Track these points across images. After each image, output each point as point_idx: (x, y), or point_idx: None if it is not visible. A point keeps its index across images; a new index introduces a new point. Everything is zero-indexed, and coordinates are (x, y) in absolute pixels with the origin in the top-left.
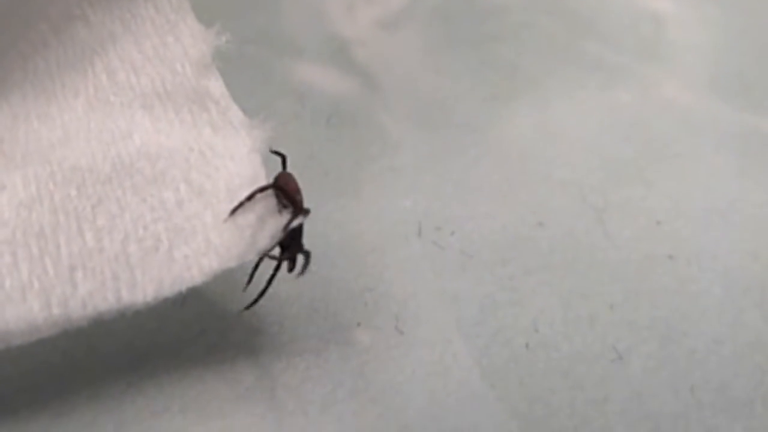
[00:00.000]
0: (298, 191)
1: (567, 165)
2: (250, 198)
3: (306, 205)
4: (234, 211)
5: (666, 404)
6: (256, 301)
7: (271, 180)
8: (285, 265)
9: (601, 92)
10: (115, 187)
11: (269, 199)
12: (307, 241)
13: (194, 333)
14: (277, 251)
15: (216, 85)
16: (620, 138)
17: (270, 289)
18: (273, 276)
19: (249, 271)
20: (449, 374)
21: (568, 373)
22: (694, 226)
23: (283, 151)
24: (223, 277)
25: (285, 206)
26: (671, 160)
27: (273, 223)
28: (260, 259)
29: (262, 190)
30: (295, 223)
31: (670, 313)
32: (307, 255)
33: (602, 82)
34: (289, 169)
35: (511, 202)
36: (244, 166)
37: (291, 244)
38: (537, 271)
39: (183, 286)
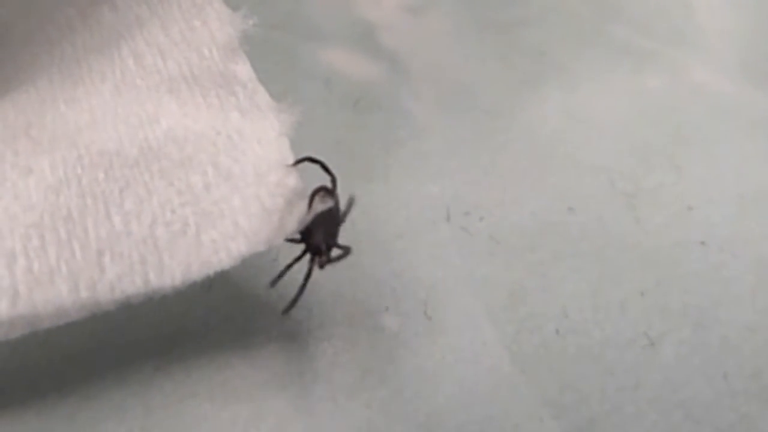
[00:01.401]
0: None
1: (596, 150)
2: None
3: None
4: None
5: (699, 391)
6: (295, 300)
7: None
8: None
9: (631, 77)
10: (143, 171)
11: (298, 184)
12: None
13: (221, 318)
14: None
15: (243, 69)
16: (650, 123)
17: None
18: (308, 274)
19: (276, 256)
20: (479, 360)
21: (599, 359)
22: (725, 212)
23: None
24: (251, 261)
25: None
26: (702, 145)
27: (301, 207)
28: (293, 261)
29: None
30: (323, 208)
31: (703, 300)
32: (345, 250)
33: (631, 67)
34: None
35: (540, 187)
36: (271, 150)
37: (322, 236)
38: (567, 257)
39: (211, 270)
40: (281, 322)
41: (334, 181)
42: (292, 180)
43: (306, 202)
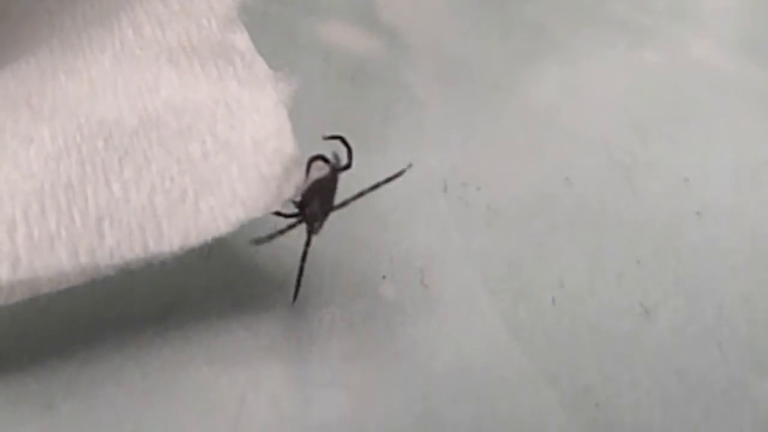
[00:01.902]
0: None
1: (594, 124)
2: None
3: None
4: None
5: (693, 360)
6: (299, 281)
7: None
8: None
9: (629, 52)
10: (142, 140)
11: (295, 151)
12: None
13: (220, 285)
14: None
15: (241, 39)
16: (648, 97)
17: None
18: (307, 246)
19: (274, 224)
20: (475, 329)
21: (594, 328)
22: (722, 184)
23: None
24: (249, 230)
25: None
26: (699, 119)
27: (298, 174)
28: (288, 227)
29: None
30: (318, 176)
31: (698, 270)
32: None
33: (630, 42)
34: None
35: (538, 159)
36: (269, 119)
37: (318, 205)
38: (563, 228)
39: (209, 236)
40: (279, 290)
41: (350, 152)
42: (289, 148)
43: (303, 169)
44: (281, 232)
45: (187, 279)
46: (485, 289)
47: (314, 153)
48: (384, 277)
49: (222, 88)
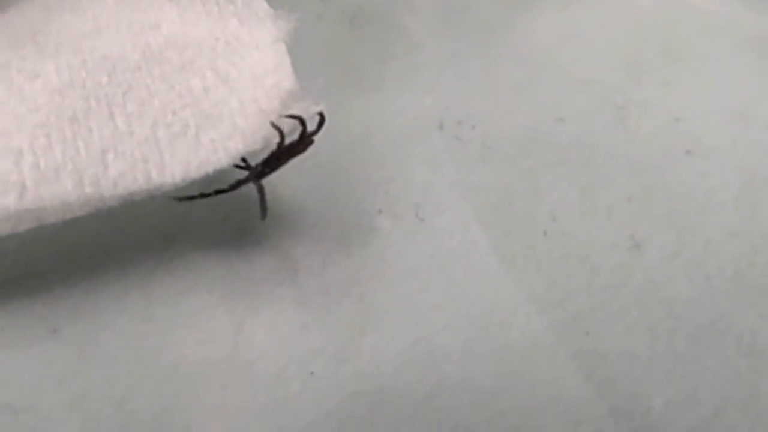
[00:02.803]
0: None
1: (587, 65)
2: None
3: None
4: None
5: (681, 291)
6: (263, 207)
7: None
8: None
9: None
10: (144, 75)
11: (293, 86)
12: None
13: (220, 217)
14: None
15: None
16: (640, 40)
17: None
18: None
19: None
20: (468, 260)
21: (585, 260)
22: (712, 124)
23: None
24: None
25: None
26: (691, 61)
27: (297, 108)
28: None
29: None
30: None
31: (688, 205)
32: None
33: None
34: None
35: (532, 99)
36: (268, 55)
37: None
38: (556, 165)
39: (210, 168)
40: (277, 222)
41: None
42: (288, 82)
43: (302, 103)
44: (234, 187)
45: (188, 211)
46: (478, 222)
47: (306, 91)
48: (380, 211)
49: (222, 25)
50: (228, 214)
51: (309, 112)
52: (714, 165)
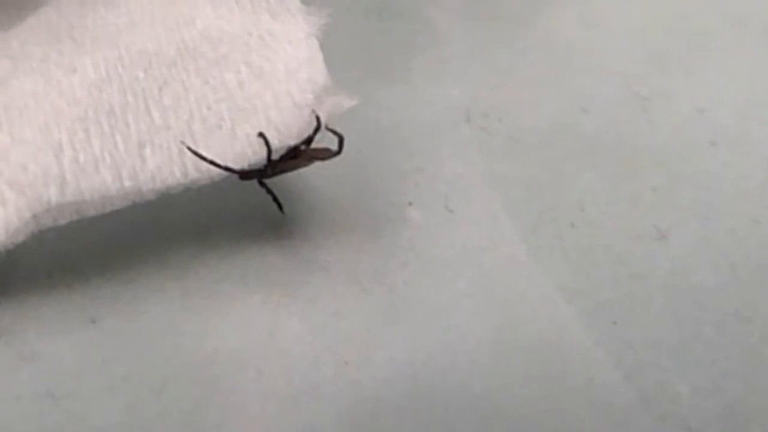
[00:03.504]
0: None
1: (611, 56)
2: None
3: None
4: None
5: (706, 279)
6: (276, 200)
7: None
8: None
9: None
10: (180, 70)
11: (327, 80)
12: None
13: (254, 209)
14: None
15: None
16: (664, 30)
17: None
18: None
19: None
20: (497, 250)
21: (611, 249)
22: (736, 114)
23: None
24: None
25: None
26: (715, 51)
27: (330, 102)
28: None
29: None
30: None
31: (712, 195)
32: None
33: None
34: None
35: (557, 90)
36: (301, 49)
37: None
38: (582, 155)
39: (245, 162)
40: (309, 214)
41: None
42: (321, 77)
43: (335, 98)
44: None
45: (223, 203)
46: (506, 213)
47: (336, 83)
48: (410, 203)
49: (255, 20)
50: (261, 205)
51: (342, 106)
52: (738, 155)
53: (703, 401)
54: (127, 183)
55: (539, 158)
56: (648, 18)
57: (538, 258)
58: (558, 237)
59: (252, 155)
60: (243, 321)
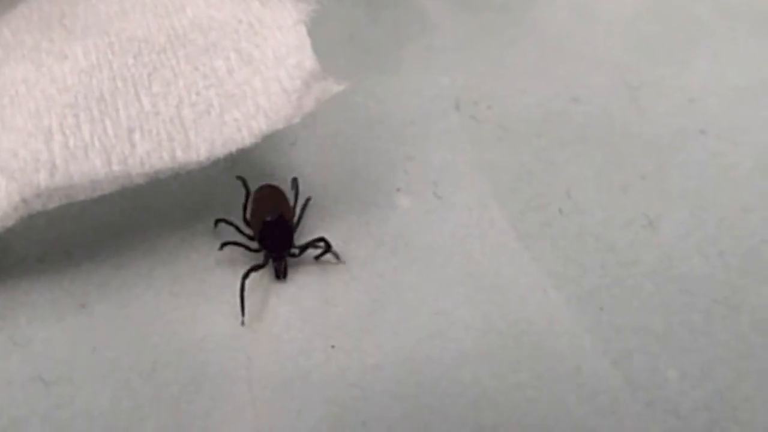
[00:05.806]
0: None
1: (602, 45)
2: None
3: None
4: None
5: (695, 267)
6: (242, 304)
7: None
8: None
9: None
10: (170, 57)
11: (315, 66)
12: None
13: (243, 195)
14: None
15: None
16: (656, 20)
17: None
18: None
19: (293, 140)
20: (486, 236)
21: (600, 236)
22: (726, 104)
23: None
24: (270, 144)
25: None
26: (706, 41)
27: (318, 87)
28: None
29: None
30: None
31: (701, 184)
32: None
33: None
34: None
35: (547, 79)
36: (290, 36)
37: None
38: (571, 143)
39: (233, 146)
40: (299, 200)
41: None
42: (309, 63)
43: (323, 83)
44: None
45: (212, 189)
46: (495, 199)
47: (326, 72)
48: (399, 189)
49: (245, 7)
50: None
51: (330, 91)
52: (727, 144)
53: (691, 388)
54: (117, 168)
55: (528, 146)
56: (638, 7)
57: (526, 245)
58: (547, 224)
59: (240, 140)
60: (232, 307)
